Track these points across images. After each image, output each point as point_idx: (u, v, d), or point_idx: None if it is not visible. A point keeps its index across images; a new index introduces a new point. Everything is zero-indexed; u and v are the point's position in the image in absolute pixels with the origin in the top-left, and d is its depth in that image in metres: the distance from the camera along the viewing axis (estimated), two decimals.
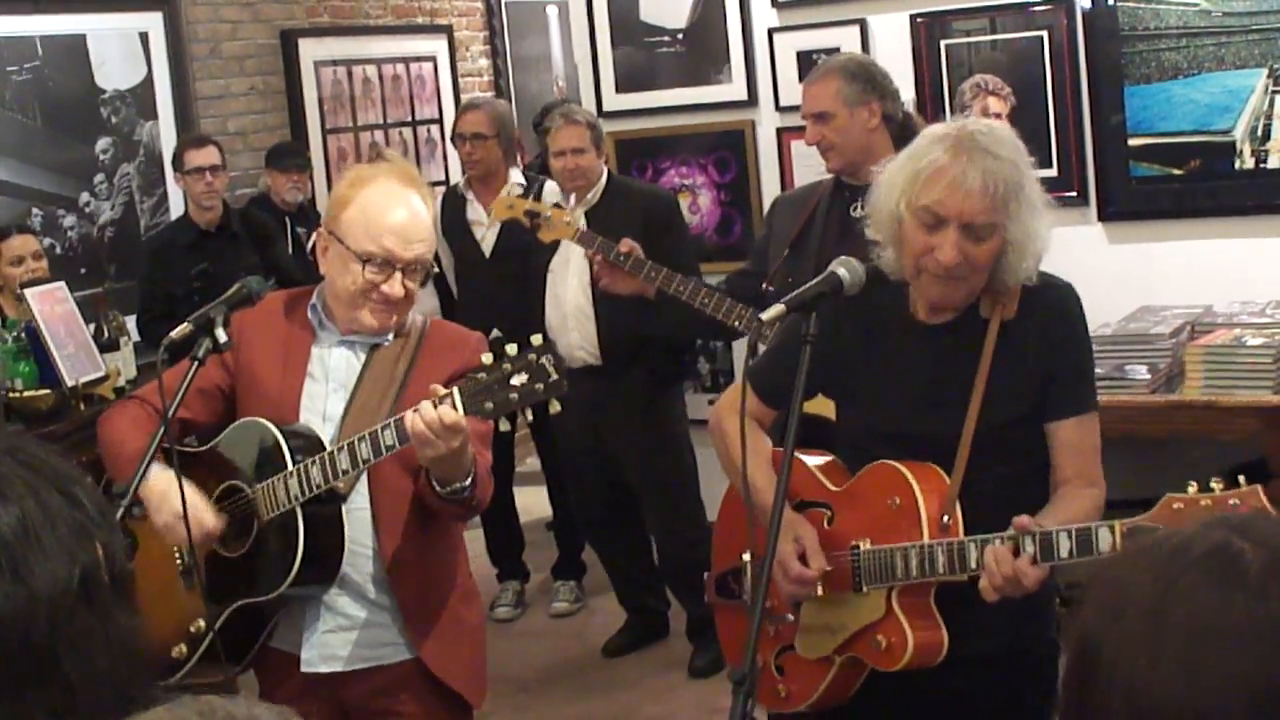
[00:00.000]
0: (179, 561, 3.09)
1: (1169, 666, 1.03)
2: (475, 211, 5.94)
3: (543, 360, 2.62)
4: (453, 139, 6.11)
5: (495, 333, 5.71)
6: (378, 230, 2.91)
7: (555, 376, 2.62)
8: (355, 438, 2.83)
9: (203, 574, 3.00)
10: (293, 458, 2.89)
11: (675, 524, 5.40)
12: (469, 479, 2.83)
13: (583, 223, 4.93)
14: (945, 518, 2.64)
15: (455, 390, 2.66)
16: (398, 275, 2.92)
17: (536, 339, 2.66)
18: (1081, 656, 1.10)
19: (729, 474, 3.02)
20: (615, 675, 5.47)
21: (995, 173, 2.58)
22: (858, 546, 2.74)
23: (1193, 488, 2.35)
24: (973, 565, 2.57)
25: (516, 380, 2.62)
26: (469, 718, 3.17)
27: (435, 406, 2.66)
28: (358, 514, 2.96)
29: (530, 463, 6.96)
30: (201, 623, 3.02)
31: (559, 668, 5.60)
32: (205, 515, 2.91)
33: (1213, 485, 2.33)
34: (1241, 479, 2.32)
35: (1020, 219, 2.61)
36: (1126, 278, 5.16)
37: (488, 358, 2.66)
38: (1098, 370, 4.64)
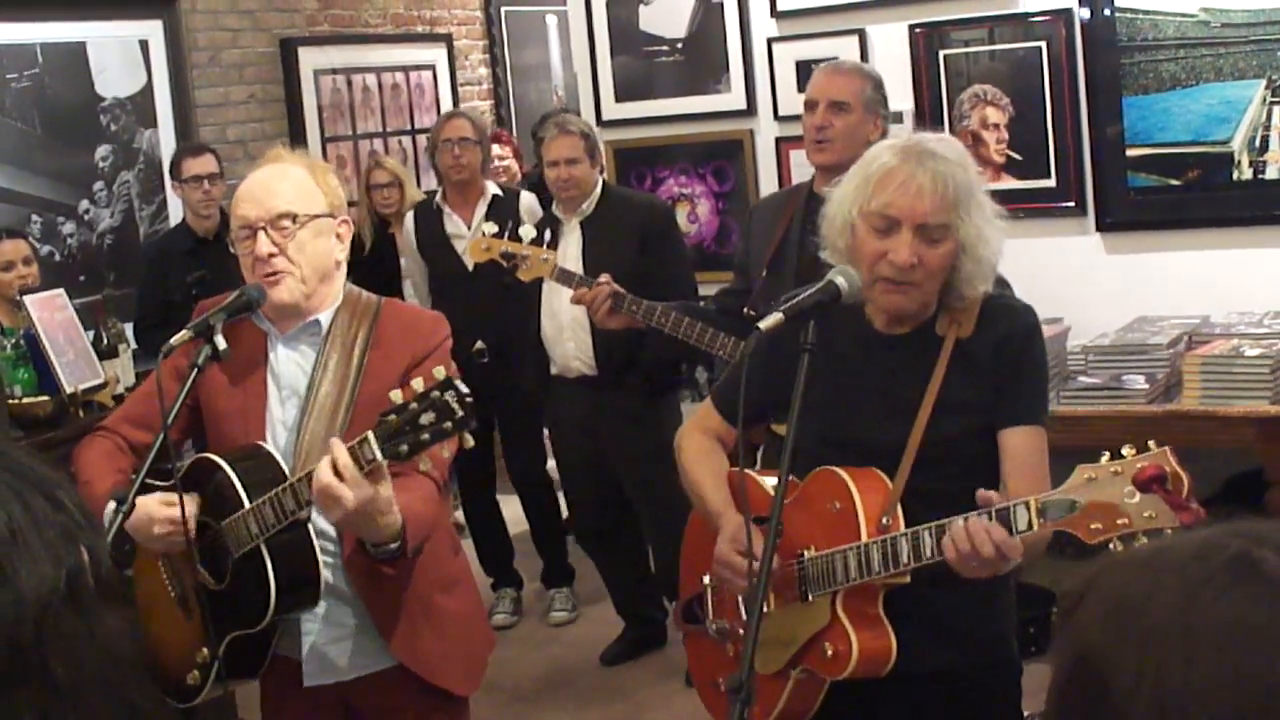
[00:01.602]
0: (171, 593, 3.10)
1: (1206, 669, 1.01)
2: (454, 225, 5.95)
3: (446, 397, 2.56)
4: (431, 149, 6.08)
5: (479, 344, 5.73)
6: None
7: (461, 413, 2.56)
8: (291, 482, 2.81)
9: (200, 606, 2.99)
10: (248, 494, 2.87)
11: (671, 533, 5.35)
12: (396, 544, 2.80)
13: (578, 243, 4.92)
14: (885, 518, 2.62)
15: (370, 435, 2.62)
16: (261, 235, 2.94)
17: (439, 371, 2.61)
18: (1084, 666, 1.07)
19: (688, 491, 3.02)
20: (613, 683, 5.47)
21: (944, 174, 2.59)
22: (803, 555, 2.72)
23: (1105, 457, 2.34)
24: (904, 560, 2.55)
25: (425, 419, 2.58)
26: (464, 706, 3.18)
27: (333, 463, 2.62)
28: (327, 526, 2.95)
29: None
30: (205, 650, 3.02)
31: (556, 676, 5.60)
32: (174, 508, 2.87)
33: (1124, 452, 2.33)
34: (1152, 444, 2.32)
35: (972, 220, 2.61)
36: (1124, 288, 5.16)
37: (397, 395, 2.62)
38: (1095, 380, 4.72)
